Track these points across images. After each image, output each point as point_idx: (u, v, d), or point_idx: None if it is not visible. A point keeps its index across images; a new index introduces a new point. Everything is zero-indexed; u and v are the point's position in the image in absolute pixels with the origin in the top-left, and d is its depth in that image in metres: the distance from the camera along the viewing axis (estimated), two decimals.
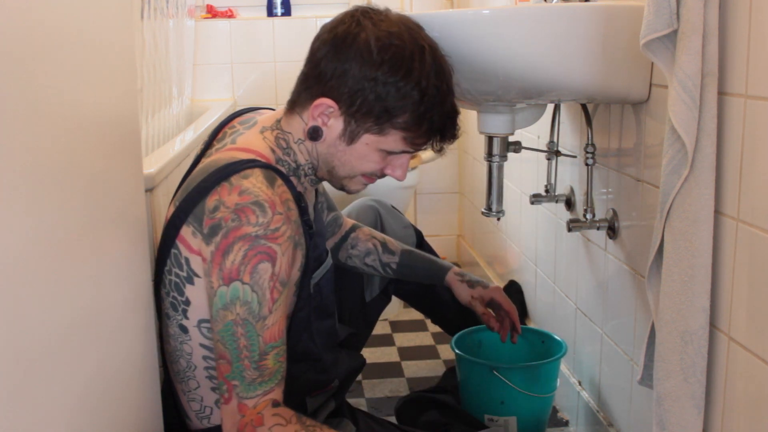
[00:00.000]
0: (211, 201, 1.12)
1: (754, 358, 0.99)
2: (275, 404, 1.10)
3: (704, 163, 1.01)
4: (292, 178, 1.20)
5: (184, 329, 1.18)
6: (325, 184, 1.33)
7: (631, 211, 1.37)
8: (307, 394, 1.25)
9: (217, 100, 2.77)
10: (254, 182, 1.11)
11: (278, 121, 1.23)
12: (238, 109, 1.37)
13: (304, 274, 1.21)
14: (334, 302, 1.31)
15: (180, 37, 2.40)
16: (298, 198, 1.18)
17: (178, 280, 1.17)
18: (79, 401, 0.84)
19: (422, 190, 2.92)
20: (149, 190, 1.28)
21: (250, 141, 1.20)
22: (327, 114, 1.16)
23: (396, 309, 2.43)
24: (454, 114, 1.19)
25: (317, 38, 1.19)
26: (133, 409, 1.04)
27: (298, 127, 1.20)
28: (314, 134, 1.18)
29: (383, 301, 1.76)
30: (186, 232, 1.15)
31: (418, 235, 1.80)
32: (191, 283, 1.16)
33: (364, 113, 1.14)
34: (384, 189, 2.33)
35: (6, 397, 0.67)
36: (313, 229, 1.23)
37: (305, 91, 1.18)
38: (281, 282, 1.11)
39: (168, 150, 1.61)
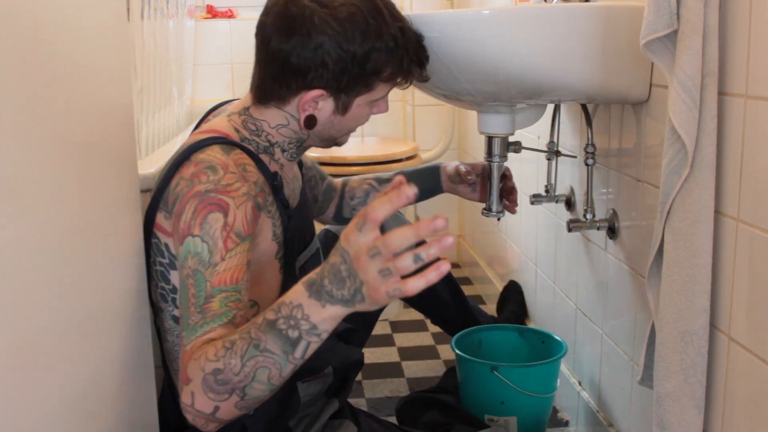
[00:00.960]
0: (174, 181, 1.13)
1: (754, 358, 0.99)
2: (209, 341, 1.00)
3: (704, 163, 1.01)
4: (263, 156, 1.21)
5: (177, 320, 1.19)
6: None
7: (631, 211, 1.37)
8: (298, 380, 1.25)
9: (217, 100, 2.75)
10: (210, 153, 1.13)
11: (246, 108, 1.24)
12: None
13: (287, 253, 1.21)
14: None
15: (180, 37, 2.40)
16: (272, 177, 1.19)
17: (162, 269, 1.17)
18: (73, 400, 0.84)
19: None
20: (149, 190, 1.28)
21: (213, 124, 1.22)
22: (314, 101, 1.19)
23: (396, 309, 2.43)
24: (420, 38, 1.24)
25: (266, 32, 1.18)
26: (128, 408, 1.04)
27: (274, 115, 1.22)
28: (310, 123, 1.21)
29: None
30: (159, 218, 1.16)
31: None
32: (174, 268, 1.16)
33: (353, 84, 1.17)
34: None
35: (1, 394, 0.67)
36: (290, 209, 1.23)
37: (284, 87, 1.19)
38: (236, 233, 1.08)
39: (168, 150, 1.61)
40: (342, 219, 1.66)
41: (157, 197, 1.16)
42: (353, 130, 1.27)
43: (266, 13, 1.19)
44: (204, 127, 1.24)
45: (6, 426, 0.67)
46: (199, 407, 0.95)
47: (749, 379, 1.00)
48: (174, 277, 1.17)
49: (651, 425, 1.11)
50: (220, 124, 1.22)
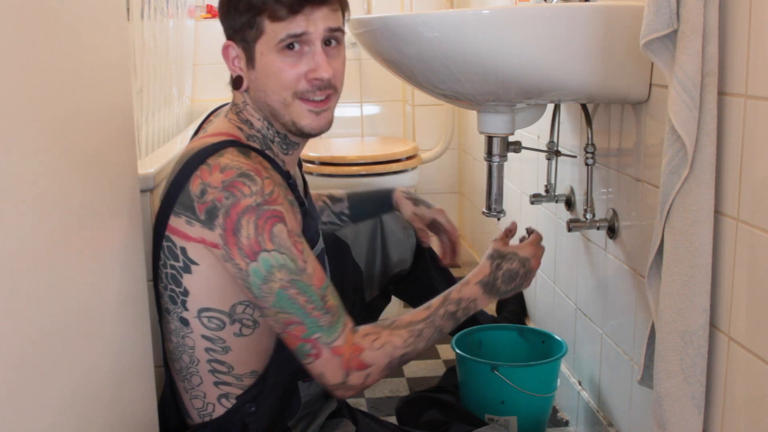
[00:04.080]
0: (195, 186, 1.13)
1: (754, 358, 0.99)
2: (355, 329, 1.18)
3: (704, 163, 1.01)
4: (268, 152, 1.23)
5: (185, 322, 1.19)
6: None
7: (631, 211, 1.37)
8: (299, 379, 1.25)
9: (217, 100, 2.75)
10: (231, 157, 1.13)
11: (234, 102, 1.26)
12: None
13: None
14: None
15: (180, 37, 2.40)
16: (286, 176, 1.22)
17: (174, 272, 1.17)
18: (73, 400, 0.84)
19: (422, 190, 2.92)
20: (149, 190, 1.28)
21: (219, 126, 1.24)
22: (234, 57, 1.21)
23: (396, 309, 2.42)
24: None
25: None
26: (128, 408, 1.04)
27: (237, 94, 1.25)
28: (236, 83, 1.22)
29: (383, 302, 1.76)
30: (177, 222, 1.15)
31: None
32: (188, 272, 1.16)
33: (241, 26, 1.18)
34: None
35: (1, 394, 0.67)
36: (306, 207, 1.26)
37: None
38: (297, 235, 1.14)
39: (168, 150, 1.61)
40: None
41: (171, 200, 1.15)
42: (287, 94, 1.18)
43: None
44: (210, 129, 1.24)
45: (6, 426, 0.67)
46: (376, 377, 1.18)
47: (749, 379, 1.00)
48: (188, 281, 1.16)
49: (651, 425, 1.11)
50: (223, 126, 1.23)
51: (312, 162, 2.34)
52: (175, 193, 1.15)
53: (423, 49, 1.26)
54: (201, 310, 1.18)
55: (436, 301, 1.26)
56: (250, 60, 1.19)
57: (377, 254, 1.73)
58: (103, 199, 0.96)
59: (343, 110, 2.92)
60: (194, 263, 1.15)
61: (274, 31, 1.15)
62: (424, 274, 1.81)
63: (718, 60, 1.00)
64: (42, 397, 0.75)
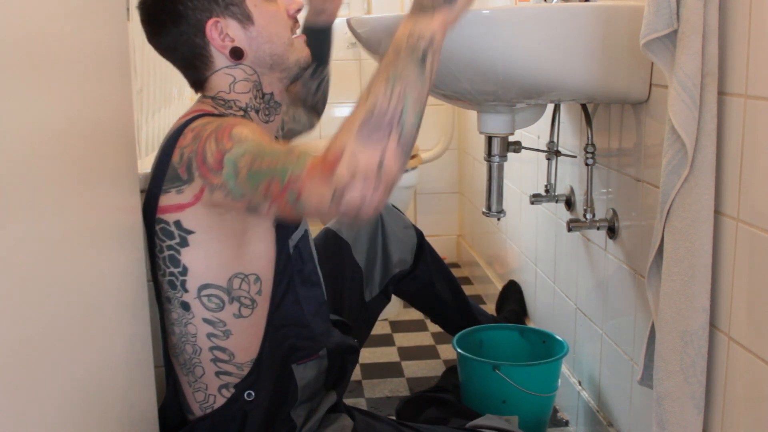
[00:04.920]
0: (176, 157, 1.15)
1: (754, 358, 0.99)
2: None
3: (704, 163, 1.01)
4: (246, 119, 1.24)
5: (186, 306, 1.19)
6: None
7: (631, 211, 1.37)
8: (293, 362, 1.26)
9: None
10: (204, 121, 1.16)
11: (202, 99, 1.26)
12: None
13: (281, 233, 1.23)
14: (318, 272, 1.32)
15: None
16: None
17: (171, 252, 1.18)
18: (73, 400, 0.84)
19: (422, 190, 2.92)
20: None
21: (191, 108, 1.25)
22: (221, 31, 1.20)
23: (396, 309, 2.43)
24: None
25: (149, 37, 1.26)
26: (128, 408, 1.04)
27: (218, 81, 1.24)
28: (237, 54, 1.21)
29: (383, 301, 1.76)
30: (167, 199, 1.16)
31: (419, 235, 1.80)
32: (186, 245, 1.17)
33: None
34: None
35: (2, 394, 0.67)
36: None
37: (195, 58, 1.22)
38: (260, 132, 1.12)
39: None
40: (319, 108, 1.65)
41: (156, 183, 1.17)
42: (284, 37, 1.24)
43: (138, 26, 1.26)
44: (182, 115, 1.26)
45: (6, 426, 0.67)
46: (366, 164, 0.99)
47: (749, 379, 1.00)
48: (186, 255, 1.17)
49: (651, 425, 1.11)
50: (196, 106, 1.25)
51: None
52: (159, 173, 1.16)
53: None
54: (201, 288, 1.18)
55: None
56: (247, 18, 1.21)
57: (377, 254, 1.73)
58: (103, 199, 0.96)
59: (343, 110, 2.92)
60: (190, 232, 1.16)
61: None
62: (425, 274, 1.81)
63: (718, 60, 1.00)
64: (42, 398, 0.75)
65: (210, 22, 1.19)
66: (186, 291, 1.19)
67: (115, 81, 1.02)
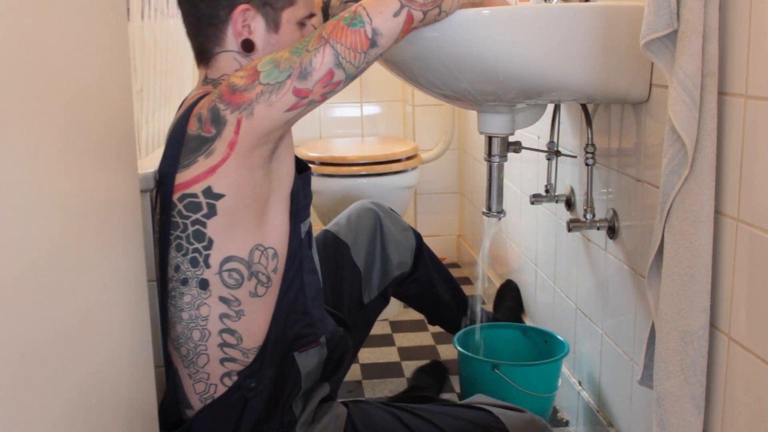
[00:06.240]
0: (192, 126, 1.17)
1: (754, 358, 0.99)
2: None
3: (704, 163, 1.01)
4: None
5: (204, 284, 1.20)
6: None
7: (631, 211, 1.37)
8: (295, 350, 1.26)
9: None
10: (212, 96, 1.17)
11: (205, 79, 1.27)
12: None
13: (294, 217, 1.25)
14: (317, 261, 1.34)
15: (180, 37, 2.40)
16: None
17: (197, 227, 1.19)
18: (73, 400, 0.84)
19: (422, 190, 2.92)
20: (149, 190, 1.28)
21: (195, 91, 1.27)
22: (246, 19, 1.22)
23: (396, 309, 2.43)
24: None
25: None
26: (128, 408, 1.04)
27: (225, 62, 1.25)
28: (248, 46, 1.23)
29: (381, 304, 1.76)
30: (191, 172, 1.17)
31: (417, 237, 1.80)
32: (214, 213, 1.18)
33: None
34: (384, 189, 2.33)
35: (2, 394, 0.67)
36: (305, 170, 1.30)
37: (209, 27, 1.23)
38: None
39: None
40: None
41: (171, 163, 1.18)
42: None
43: None
44: (186, 98, 1.27)
45: (7, 426, 0.67)
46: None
47: (749, 379, 1.00)
48: (212, 227, 1.18)
49: (651, 425, 1.11)
50: (200, 89, 1.25)
51: (312, 162, 2.34)
52: (174, 155, 1.18)
53: (423, 49, 1.26)
54: (223, 262, 1.19)
55: None
56: (275, 25, 1.23)
57: (377, 256, 1.73)
58: (103, 199, 0.96)
59: (343, 110, 2.92)
60: (220, 197, 1.17)
61: (301, 6, 1.25)
62: (424, 276, 1.81)
63: (718, 60, 1.00)
64: (42, 397, 0.75)
65: (242, 6, 1.21)
66: (208, 266, 1.19)
67: (115, 81, 1.02)
